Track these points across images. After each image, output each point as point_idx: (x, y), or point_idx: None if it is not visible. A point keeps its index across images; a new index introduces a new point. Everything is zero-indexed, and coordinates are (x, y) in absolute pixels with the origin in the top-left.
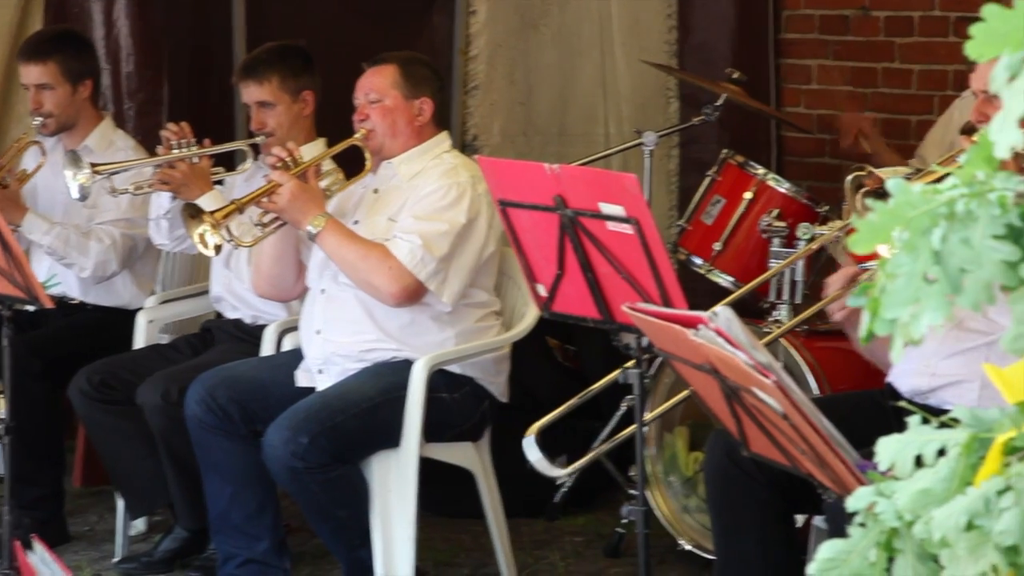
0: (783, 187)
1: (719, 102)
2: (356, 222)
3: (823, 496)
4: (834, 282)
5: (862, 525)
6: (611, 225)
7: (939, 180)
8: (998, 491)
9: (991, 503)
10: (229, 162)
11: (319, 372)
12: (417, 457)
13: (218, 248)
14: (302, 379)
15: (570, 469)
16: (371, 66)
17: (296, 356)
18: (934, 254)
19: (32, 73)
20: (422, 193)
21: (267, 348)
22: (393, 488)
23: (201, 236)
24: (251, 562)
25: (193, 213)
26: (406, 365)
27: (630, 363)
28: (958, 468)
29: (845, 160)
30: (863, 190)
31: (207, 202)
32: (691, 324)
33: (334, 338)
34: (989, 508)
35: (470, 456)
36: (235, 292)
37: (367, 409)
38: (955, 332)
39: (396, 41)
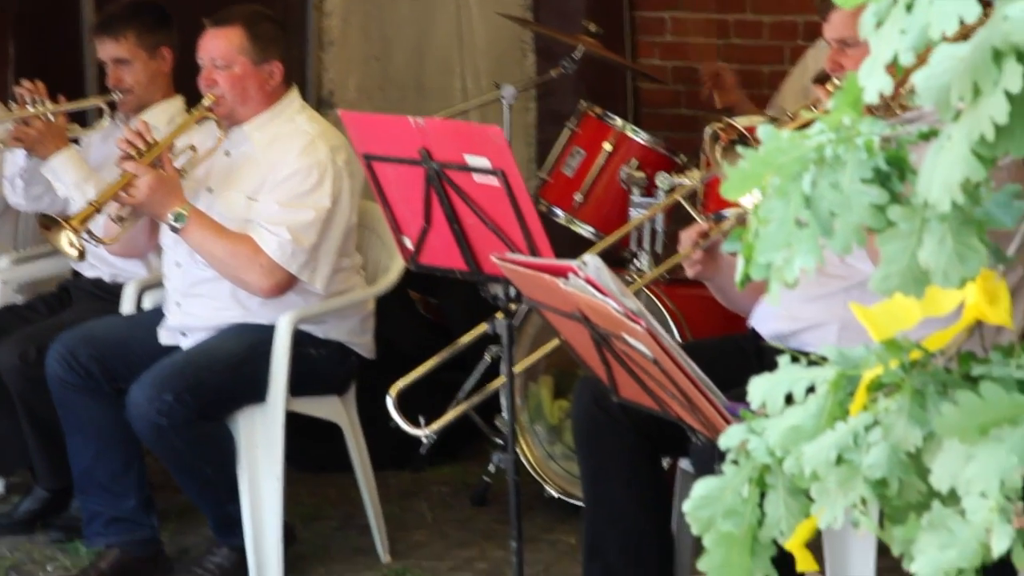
0: (641, 137)
1: (576, 54)
2: (210, 189)
3: (692, 439)
4: (686, 238)
5: (735, 462)
6: (477, 177)
7: (804, 127)
8: (866, 426)
9: (859, 438)
10: (81, 120)
11: (182, 335)
12: (283, 411)
13: (82, 253)
14: (165, 337)
15: (434, 426)
16: (214, 26)
17: (158, 314)
18: (805, 199)
19: None
20: (282, 174)
21: (127, 307)
22: (259, 443)
23: (68, 242)
24: (118, 520)
25: (48, 224)
26: (270, 327)
27: (498, 313)
28: (826, 405)
29: (701, 111)
30: (720, 141)
31: (63, 161)
32: (560, 273)
33: (194, 312)
34: (858, 443)
35: (336, 410)
36: (93, 251)
37: (232, 365)
38: (815, 277)
39: None
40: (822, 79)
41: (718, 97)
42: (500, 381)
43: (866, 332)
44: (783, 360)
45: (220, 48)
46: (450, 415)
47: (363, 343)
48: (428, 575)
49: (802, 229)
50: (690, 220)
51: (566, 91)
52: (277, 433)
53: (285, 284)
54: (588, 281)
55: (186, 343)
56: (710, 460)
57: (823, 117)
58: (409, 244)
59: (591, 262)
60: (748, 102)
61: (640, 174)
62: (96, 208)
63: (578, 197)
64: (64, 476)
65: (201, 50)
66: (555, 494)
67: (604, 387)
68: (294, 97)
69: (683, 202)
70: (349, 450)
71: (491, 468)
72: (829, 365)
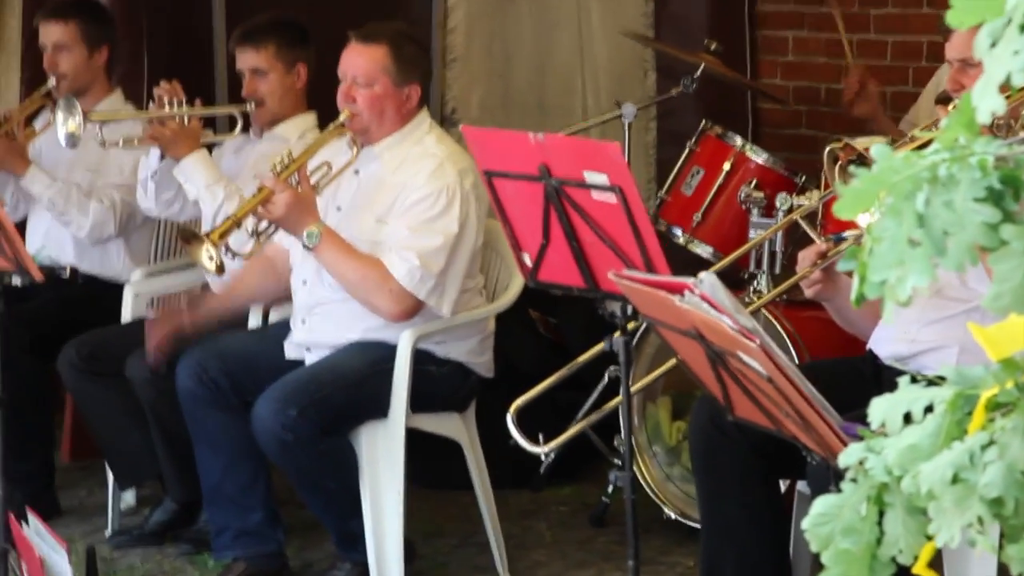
0: (761, 157)
1: (696, 74)
2: (339, 208)
3: (807, 459)
4: (805, 259)
5: (853, 481)
6: (595, 194)
7: (921, 148)
8: (982, 445)
9: (976, 457)
10: (212, 129)
11: (307, 350)
12: (404, 428)
13: (220, 268)
14: (291, 351)
15: (553, 444)
16: (360, 41)
17: (284, 328)
18: (918, 217)
19: (52, 32)
20: (411, 199)
21: (254, 321)
22: (381, 459)
23: (208, 256)
24: (245, 533)
25: (188, 238)
26: (393, 345)
27: (616, 332)
28: (944, 424)
29: (822, 132)
30: (839, 162)
31: (195, 163)
32: (676, 290)
33: (319, 329)
34: (974, 462)
35: (456, 427)
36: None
37: (355, 381)
38: (935, 300)
39: (375, 15)
40: (944, 100)
41: (857, 106)
42: (618, 400)
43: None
44: (903, 380)
45: (363, 66)
46: (569, 433)
47: (482, 363)
48: None
49: (915, 248)
50: (809, 241)
51: (686, 110)
52: (398, 449)
53: (413, 310)
54: (703, 298)
55: (310, 358)
56: (825, 481)
57: (938, 136)
58: (528, 261)
59: (707, 279)
60: (885, 118)
61: (759, 194)
62: (235, 222)
63: (697, 217)
64: (194, 488)
65: (343, 64)
66: (673, 516)
67: (720, 406)
68: (424, 118)
69: (802, 223)
70: (469, 468)
71: (610, 488)
72: (947, 385)
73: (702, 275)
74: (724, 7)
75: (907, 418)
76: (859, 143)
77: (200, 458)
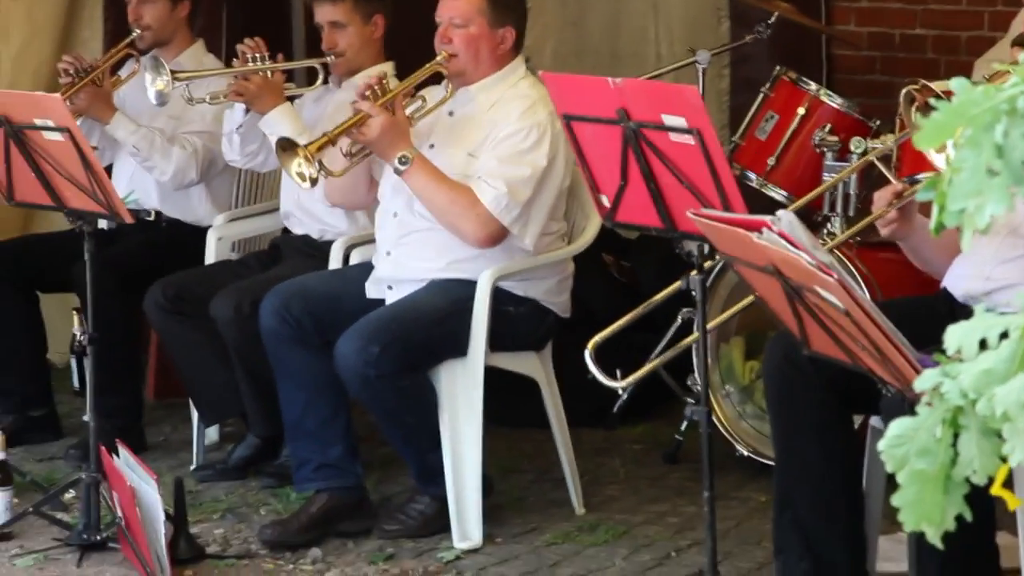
0: (835, 102)
1: (771, 20)
2: (432, 146)
3: (882, 391)
4: (880, 198)
5: (928, 404)
6: (673, 136)
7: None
8: None
9: None
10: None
11: (388, 288)
12: (483, 365)
13: (314, 181)
14: (372, 291)
15: (629, 380)
16: None
17: (366, 269)
18: (996, 148)
19: None
20: (503, 133)
21: (335, 263)
22: (460, 396)
23: (298, 169)
24: (325, 466)
25: (286, 146)
26: (473, 283)
27: (692, 271)
28: (1019, 350)
29: (896, 77)
30: (916, 103)
31: (279, 115)
32: (755, 228)
33: (404, 262)
34: None
35: (534, 365)
36: (304, 207)
37: (436, 320)
38: (1010, 239)
39: None
40: (1021, 42)
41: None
42: (693, 338)
43: None
44: (978, 308)
45: (460, 8)
46: (645, 370)
47: (560, 302)
48: (621, 527)
49: (993, 178)
50: (884, 184)
51: (760, 57)
52: (477, 387)
53: (498, 236)
54: (781, 235)
55: (392, 296)
56: (900, 413)
57: (1017, 69)
58: (606, 202)
59: (784, 216)
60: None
61: (833, 138)
62: (330, 140)
63: (771, 161)
64: (275, 425)
65: (441, 8)
66: (746, 453)
67: (796, 341)
68: (520, 63)
69: (878, 163)
70: (545, 405)
71: (683, 427)
72: (1022, 312)
73: (780, 213)
74: None
75: (982, 344)
76: (937, 85)
77: (283, 394)
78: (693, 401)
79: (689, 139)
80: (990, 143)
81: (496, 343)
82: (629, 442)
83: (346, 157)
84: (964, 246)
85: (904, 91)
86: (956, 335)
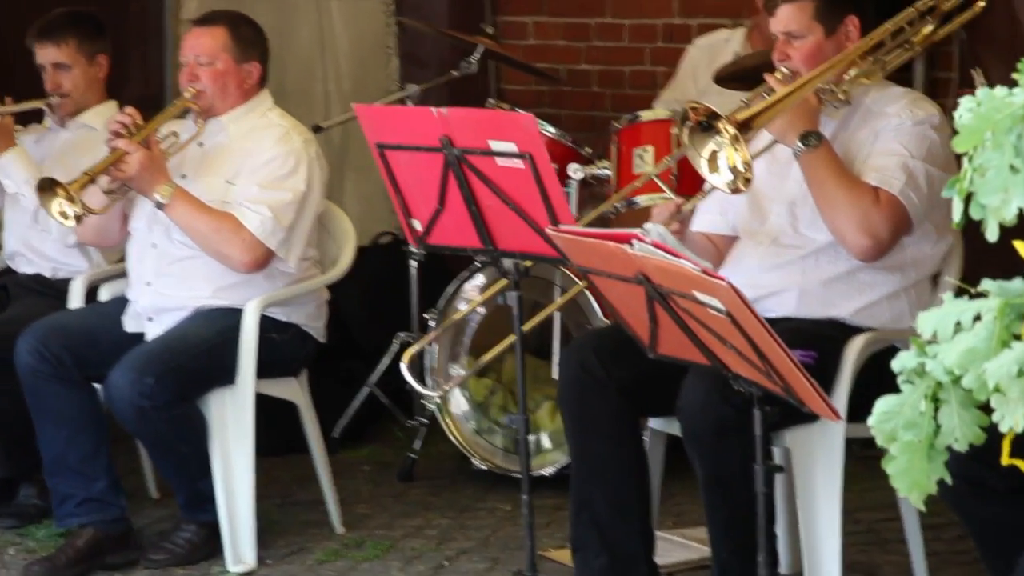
0: (548, 131)
1: (475, 55)
2: (184, 176)
3: (733, 385)
4: (659, 214)
5: (909, 383)
6: (500, 160)
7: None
8: None
9: None
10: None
11: (149, 320)
12: (253, 392)
13: (79, 219)
14: (130, 325)
15: (449, 385)
16: (199, 25)
17: (120, 303)
18: (1015, 149)
19: None
20: (260, 160)
21: (76, 300)
22: (230, 423)
23: (60, 209)
24: (89, 501)
25: (46, 187)
26: (237, 311)
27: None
28: (996, 329)
29: (563, 110)
30: (689, 122)
31: (13, 159)
32: (623, 240)
33: (166, 291)
34: None
35: (295, 390)
36: (33, 247)
37: (205, 349)
38: (772, 248)
39: (108, 4)
40: (771, 69)
41: None
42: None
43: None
44: (947, 296)
45: (205, 45)
46: (464, 375)
47: (318, 327)
48: (386, 543)
49: (1016, 174)
50: (596, 205)
51: (441, 92)
52: (248, 413)
53: (264, 260)
54: (656, 246)
55: (152, 328)
56: (701, 418)
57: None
58: (418, 226)
59: (653, 229)
60: None
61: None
62: (90, 178)
63: None
64: (12, 465)
65: (185, 48)
66: (483, 467)
67: (642, 346)
68: (267, 96)
69: (657, 180)
70: (305, 429)
71: (416, 445)
72: (992, 297)
73: (647, 226)
74: None
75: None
76: (709, 105)
77: (41, 432)
78: (418, 421)
79: (519, 163)
80: (1010, 145)
81: (260, 370)
82: (357, 464)
83: (107, 194)
84: (990, 236)
85: (680, 109)
86: (930, 321)
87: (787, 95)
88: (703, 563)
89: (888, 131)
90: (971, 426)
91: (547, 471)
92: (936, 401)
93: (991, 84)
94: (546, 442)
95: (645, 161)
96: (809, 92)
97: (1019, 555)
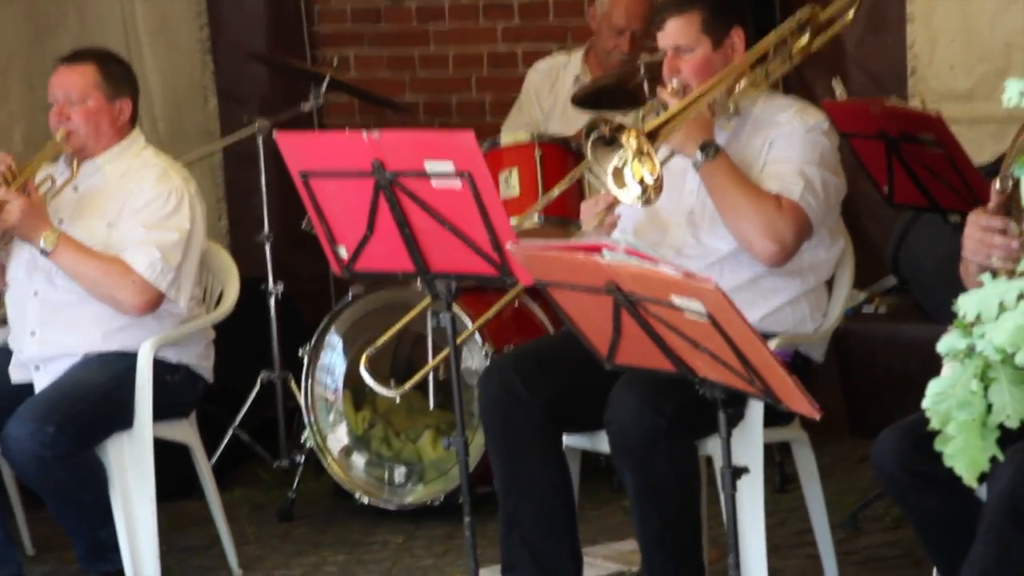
0: None
1: (323, 88)
2: (60, 221)
3: (700, 391)
4: (588, 209)
5: (960, 362)
6: (436, 182)
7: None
8: None
9: None
10: None
11: (36, 369)
12: (151, 435)
13: None
14: (16, 375)
15: (406, 385)
16: (67, 64)
17: (3, 354)
18: None
19: None
20: (141, 201)
21: None
22: (130, 468)
23: None
24: None
25: None
26: (129, 355)
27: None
28: None
29: None
30: (597, 133)
31: None
32: (594, 251)
33: (53, 339)
34: None
35: (186, 431)
36: None
37: (102, 395)
38: (677, 260)
39: None
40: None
41: None
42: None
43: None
44: (985, 277)
45: (75, 83)
46: (419, 375)
47: (207, 367)
48: None
49: None
50: None
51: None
52: (147, 456)
53: (156, 302)
54: (631, 253)
55: (40, 377)
56: (633, 429)
57: None
58: (344, 253)
59: (623, 239)
60: None
61: None
62: None
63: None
64: None
65: (53, 88)
66: (367, 501)
67: (598, 357)
68: (139, 134)
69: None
70: (199, 471)
71: (295, 484)
72: None
73: (616, 235)
74: (281, 31)
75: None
76: (616, 119)
77: None
78: (279, 462)
79: (456, 183)
80: None
81: (154, 413)
82: (231, 508)
83: None
84: None
85: (589, 121)
86: (972, 303)
87: (686, 107)
88: None
89: (781, 139)
90: (1022, 402)
91: (435, 501)
92: (985, 380)
93: (831, 95)
94: (430, 472)
95: (511, 185)
96: (704, 104)
97: (962, 546)
